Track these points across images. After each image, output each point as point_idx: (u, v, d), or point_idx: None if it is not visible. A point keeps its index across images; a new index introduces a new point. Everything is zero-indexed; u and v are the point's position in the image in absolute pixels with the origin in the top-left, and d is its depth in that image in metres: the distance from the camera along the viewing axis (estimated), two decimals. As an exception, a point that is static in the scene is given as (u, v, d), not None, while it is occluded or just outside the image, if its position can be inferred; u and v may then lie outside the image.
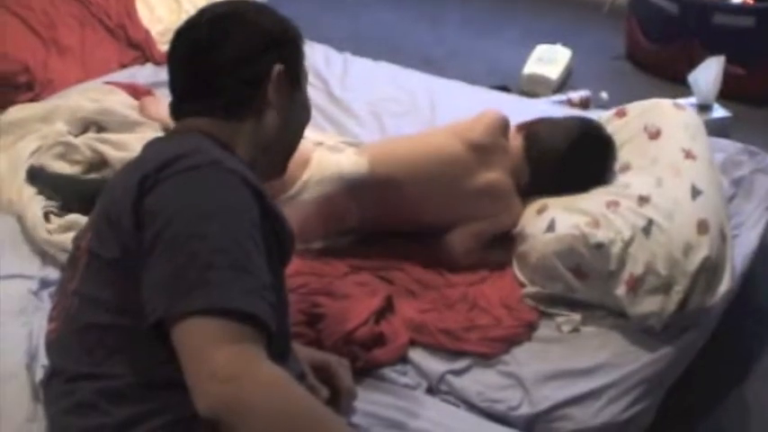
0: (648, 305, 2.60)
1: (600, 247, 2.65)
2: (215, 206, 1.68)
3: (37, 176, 3.05)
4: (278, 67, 1.91)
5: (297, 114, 2.01)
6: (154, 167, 1.72)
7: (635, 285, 2.61)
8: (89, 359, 1.76)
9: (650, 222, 2.66)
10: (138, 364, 1.72)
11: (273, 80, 1.90)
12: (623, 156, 3.01)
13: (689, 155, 2.85)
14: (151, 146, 2.00)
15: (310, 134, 2.08)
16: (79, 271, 1.84)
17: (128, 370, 1.73)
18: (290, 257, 1.95)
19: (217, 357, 1.55)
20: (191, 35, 1.97)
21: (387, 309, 2.66)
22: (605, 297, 2.67)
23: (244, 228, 1.68)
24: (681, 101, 3.28)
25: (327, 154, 2.89)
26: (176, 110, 1.97)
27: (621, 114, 3.18)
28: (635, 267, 2.62)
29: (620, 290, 2.63)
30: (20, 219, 2.95)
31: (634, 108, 3.18)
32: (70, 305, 1.84)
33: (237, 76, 1.91)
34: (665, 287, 2.60)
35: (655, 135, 2.97)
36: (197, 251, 1.62)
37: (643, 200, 2.74)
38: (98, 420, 1.73)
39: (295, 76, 1.97)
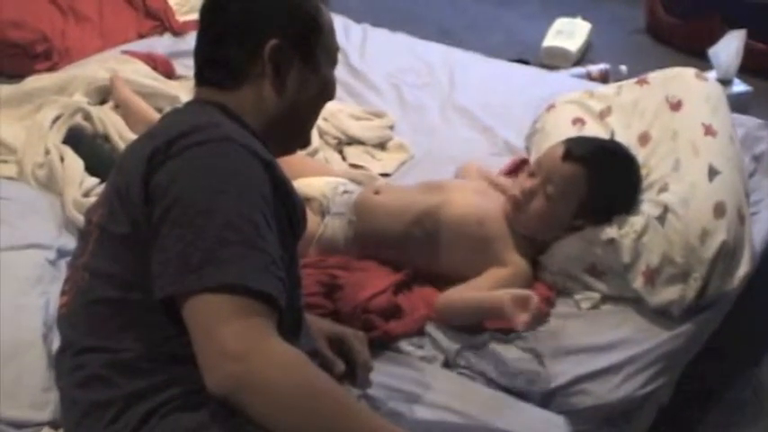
0: (668, 294, 2.58)
1: (611, 242, 2.62)
2: (225, 182, 1.66)
3: (75, 139, 3.11)
4: (272, 42, 1.86)
5: (306, 92, 1.93)
6: (164, 141, 1.71)
7: (652, 276, 2.59)
8: (98, 333, 1.76)
9: (665, 210, 2.63)
10: (147, 338, 1.72)
11: (266, 54, 1.86)
12: (643, 124, 2.95)
13: (709, 130, 2.80)
14: (166, 117, 2.00)
15: (331, 104, 2.06)
16: (90, 245, 1.83)
17: (137, 344, 1.72)
18: (302, 230, 1.94)
19: (227, 336, 1.54)
20: None
21: (405, 284, 2.66)
22: (624, 291, 2.65)
23: (254, 203, 1.67)
24: (702, 75, 3.23)
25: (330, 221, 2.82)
26: (196, 78, 1.96)
27: (643, 83, 3.11)
28: (651, 258, 2.60)
29: (638, 282, 2.61)
30: (49, 180, 2.98)
31: (656, 77, 3.11)
32: (81, 279, 1.84)
33: (238, 43, 1.88)
34: (683, 275, 2.57)
35: (676, 106, 2.91)
36: (207, 227, 1.61)
37: (660, 188, 2.71)
38: (107, 393, 1.73)
39: (307, 53, 1.92)
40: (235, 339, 1.54)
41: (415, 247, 2.71)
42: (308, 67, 1.92)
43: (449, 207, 2.69)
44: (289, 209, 1.81)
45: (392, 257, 2.72)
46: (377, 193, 2.82)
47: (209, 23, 1.93)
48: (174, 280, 1.61)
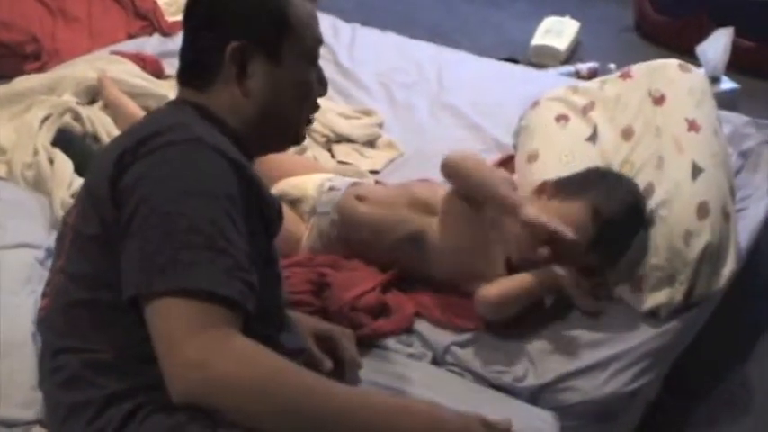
0: (655, 299, 2.58)
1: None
2: (191, 184, 1.66)
3: (65, 141, 3.12)
4: (233, 44, 1.83)
5: (278, 93, 1.89)
6: (133, 142, 1.71)
7: (639, 284, 2.60)
8: (74, 334, 1.77)
9: (650, 213, 2.64)
10: (123, 339, 1.72)
11: (228, 55, 1.84)
12: (626, 119, 2.93)
13: (692, 126, 2.79)
14: (144, 118, 2.01)
15: (320, 102, 2.04)
16: (66, 248, 1.84)
17: (112, 345, 1.73)
18: (277, 230, 1.92)
19: (187, 343, 1.55)
20: None
21: (393, 284, 2.66)
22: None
23: (220, 206, 1.66)
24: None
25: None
26: (177, 78, 1.96)
27: (626, 76, 3.09)
28: (637, 268, 2.61)
29: (625, 291, 2.62)
30: (37, 181, 2.99)
31: (639, 70, 3.09)
32: (58, 282, 1.85)
33: (206, 44, 1.87)
34: (669, 279, 2.58)
35: (659, 101, 2.90)
36: (171, 230, 1.61)
37: (646, 191, 2.69)
38: (86, 394, 1.73)
39: (273, 53, 1.88)
40: (195, 350, 1.54)
41: (400, 260, 2.70)
42: (277, 66, 1.88)
43: (435, 236, 2.65)
44: (262, 209, 1.80)
45: (378, 261, 2.72)
46: (360, 198, 2.77)
47: (184, 25, 1.94)
48: (138, 282, 1.61)
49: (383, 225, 2.70)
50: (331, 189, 2.82)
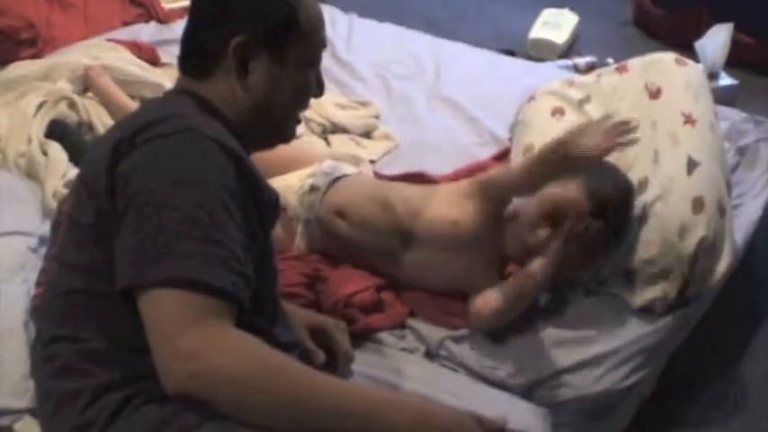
0: (649, 294, 2.58)
1: None
2: (186, 174, 1.65)
3: (59, 132, 3.10)
4: (238, 38, 1.82)
5: (276, 92, 1.89)
6: (130, 132, 1.70)
7: (633, 279, 2.60)
8: (68, 323, 1.76)
9: (644, 207, 2.63)
10: (116, 329, 1.71)
11: (230, 49, 1.83)
12: (622, 113, 2.87)
13: (688, 119, 2.78)
14: (140, 107, 1.98)
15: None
16: (60, 236, 1.84)
17: (106, 334, 1.72)
18: (274, 220, 1.92)
19: (180, 335, 1.54)
20: None
21: (389, 285, 2.64)
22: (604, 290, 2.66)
23: (216, 196, 1.65)
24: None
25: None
26: (178, 65, 1.95)
27: (623, 70, 3.09)
28: (630, 261, 2.60)
29: (619, 286, 2.62)
30: (29, 170, 2.98)
31: (635, 64, 3.09)
32: (52, 271, 1.85)
33: (210, 34, 1.86)
34: (664, 273, 2.57)
35: (655, 94, 2.89)
36: (166, 220, 1.60)
37: (641, 185, 2.68)
38: (79, 383, 1.72)
39: (277, 52, 1.87)
40: (189, 340, 1.53)
41: (389, 274, 2.67)
42: (279, 66, 1.87)
43: (420, 265, 2.62)
44: (258, 202, 1.79)
45: (367, 269, 2.69)
46: (340, 215, 2.68)
47: (191, 11, 1.92)
48: (132, 272, 1.61)
49: (368, 250, 2.66)
50: (312, 189, 2.75)
